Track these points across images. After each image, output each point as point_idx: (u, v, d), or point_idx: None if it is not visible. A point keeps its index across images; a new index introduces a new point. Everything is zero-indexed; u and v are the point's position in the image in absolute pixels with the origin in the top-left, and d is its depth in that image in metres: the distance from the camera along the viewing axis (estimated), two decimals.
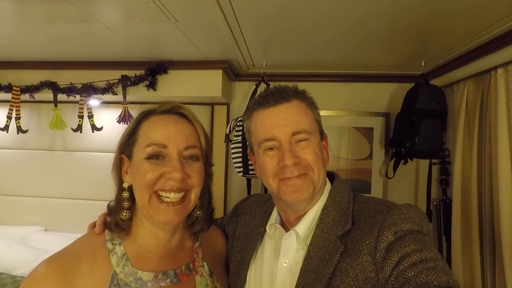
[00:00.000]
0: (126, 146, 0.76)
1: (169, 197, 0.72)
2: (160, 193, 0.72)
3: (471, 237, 1.50)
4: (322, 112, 0.87)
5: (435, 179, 1.96)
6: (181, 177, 0.71)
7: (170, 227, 0.77)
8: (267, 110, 0.77)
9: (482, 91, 1.48)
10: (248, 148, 0.87)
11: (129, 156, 0.75)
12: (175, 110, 0.78)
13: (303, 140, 0.76)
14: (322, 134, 0.83)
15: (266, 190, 2.02)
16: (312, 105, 0.82)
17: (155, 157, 0.72)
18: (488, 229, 1.42)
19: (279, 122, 0.75)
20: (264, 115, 0.78)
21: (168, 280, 0.74)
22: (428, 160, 1.89)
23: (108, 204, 0.80)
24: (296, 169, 0.74)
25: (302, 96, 0.81)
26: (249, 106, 0.87)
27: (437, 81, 1.81)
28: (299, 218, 0.79)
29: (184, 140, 0.74)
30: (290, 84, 0.83)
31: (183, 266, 0.79)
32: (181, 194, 0.73)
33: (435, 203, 1.90)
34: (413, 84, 1.78)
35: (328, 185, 0.83)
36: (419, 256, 0.60)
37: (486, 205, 1.43)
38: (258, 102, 0.80)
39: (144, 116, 0.77)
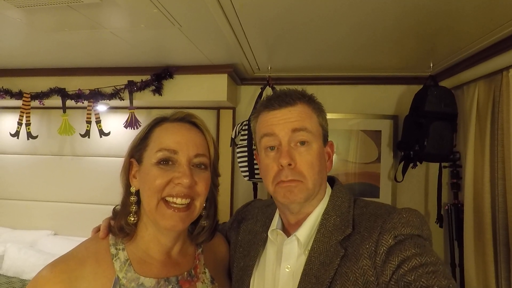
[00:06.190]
0: (137, 150, 0.77)
1: (175, 203, 0.72)
2: (168, 198, 0.72)
3: (484, 242, 1.45)
4: (329, 115, 0.86)
5: (446, 183, 1.91)
6: (189, 183, 0.72)
7: (173, 234, 0.77)
8: (271, 112, 0.79)
9: (493, 92, 1.45)
10: (254, 149, 0.87)
11: (139, 161, 0.76)
12: (188, 118, 0.80)
13: (303, 143, 0.76)
14: (326, 141, 0.82)
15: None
16: (318, 110, 0.81)
17: (164, 162, 0.73)
18: (502, 234, 1.38)
19: (279, 121, 0.77)
20: (268, 116, 0.79)
21: (170, 286, 0.74)
22: (438, 163, 1.85)
23: (114, 208, 0.81)
24: (290, 173, 0.74)
25: (309, 100, 0.80)
26: (256, 108, 0.87)
27: (446, 83, 1.77)
28: (299, 223, 0.79)
29: (194, 148, 0.75)
30: (299, 88, 0.83)
31: (185, 273, 0.79)
32: (187, 201, 0.73)
33: (446, 207, 1.85)
34: (421, 86, 1.75)
35: (329, 190, 0.83)
36: (419, 260, 0.60)
37: (500, 209, 1.39)
38: (264, 105, 0.82)
39: (157, 122, 0.79)
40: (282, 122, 0.76)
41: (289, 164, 0.74)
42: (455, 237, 1.77)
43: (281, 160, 0.74)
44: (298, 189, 0.74)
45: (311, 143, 0.76)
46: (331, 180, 0.86)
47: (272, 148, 0.78)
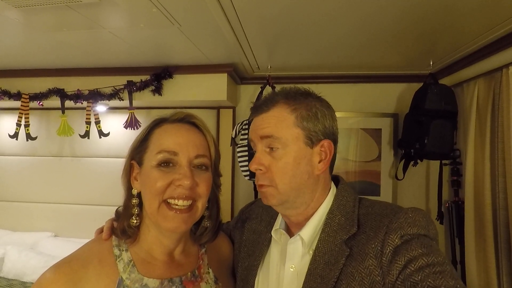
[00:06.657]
0: (137, 152, 0.77)
1: (177, 204, 0.72)
2: (169, 200, 0.72)
3: (485, 239, 1.46)
4: None
5: (446, 180, 1.91)
6: (190, 185, 0.71)
7: (176, 236, 0.77)
8: (253, 119, 0.82)
9: (493, 89, 1.45)
10: None
11: (140, 163, 0.76)
12: (188, 119, 0.79)
13: (275, 148, 0.75)
14: (315, 141, 0.75)
15: None
16: (300, 110, 0.75)
17: (165, 164, 0.73)
18: (503, 231, 1.38)
19: (254, 128, 0.79)
20: (253, 122, 0.82)
21: (174, 287, 0.74)
22: (439, 161, 1.85)
23: (117, 209, 0.81)
24: (261, 177, 0.76)
25: (287, 102, 0.76)
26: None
27: (446, 80, 1.78)
28: (301, 223, 0.78)
29: (194, 149, 0.75)
30: (300, 87, 0.82)
31: (189, 273, 0.79)
32: (189, 202, 0.73)
33: (447, 205, 1.86)
34: (421, 84, 1.75)
35: (333, 189, 0.82)
36: (426, 260, 0.60)
37: (500, 206, 1.39)
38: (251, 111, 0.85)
39: (157, 123, 0.78)
40: (255, 129, 0.78)
41: (260, 170, 0.75)
42: (456, 234, 1.78)
43: (249, 166, 0.77)
44: (268, 194, 0.76)
45: (283, 148, 0.74)
46: (336, 179, 0.85)
47: (255, 152, 0.79)
